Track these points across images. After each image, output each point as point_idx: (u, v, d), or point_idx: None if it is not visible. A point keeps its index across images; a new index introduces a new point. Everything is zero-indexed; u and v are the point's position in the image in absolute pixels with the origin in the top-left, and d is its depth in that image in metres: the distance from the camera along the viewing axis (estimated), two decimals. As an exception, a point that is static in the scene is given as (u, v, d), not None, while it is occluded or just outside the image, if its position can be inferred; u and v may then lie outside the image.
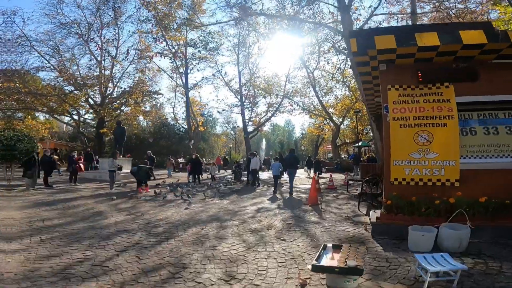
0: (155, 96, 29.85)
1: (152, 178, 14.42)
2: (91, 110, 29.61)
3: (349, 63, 34.08)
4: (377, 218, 6.30)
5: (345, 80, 33.08)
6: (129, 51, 27.36)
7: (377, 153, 14.14)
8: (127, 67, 29.28)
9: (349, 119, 38.30)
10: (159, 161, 35.03)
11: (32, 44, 25.03)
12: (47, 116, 30.28)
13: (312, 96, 35.91)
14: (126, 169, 19.12)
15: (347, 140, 44.00)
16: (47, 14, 26.38)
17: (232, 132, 62.36)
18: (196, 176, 16.98)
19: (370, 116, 13.76)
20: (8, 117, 32.99)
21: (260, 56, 35.35)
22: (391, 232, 5.99)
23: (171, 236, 6.43)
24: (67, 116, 30.20)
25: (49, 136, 33.39)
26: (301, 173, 27.47)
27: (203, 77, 34.08)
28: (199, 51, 29.87)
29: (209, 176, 18.48)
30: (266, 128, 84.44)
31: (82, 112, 30.68)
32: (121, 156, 19.57)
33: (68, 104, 25.77)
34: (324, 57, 32.27)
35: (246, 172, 17.33)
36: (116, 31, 28.34)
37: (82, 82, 26.07)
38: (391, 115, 6.43)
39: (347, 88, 33.89)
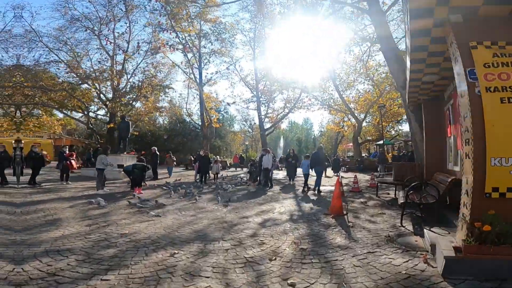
0: (166, 90, 27.72)
1: (147, 179, 12.25)
2: (103, 106, 27.93)
3: (372, 54, 31.70)
4: (456, 249, 3.76)
5: (368, 72, 30.13)
6: (139, 45, 25.42)
7: (416, 149, 11.40)
8: (140, 62, 27.43)
9: (371, 116, 35.10)
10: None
11: (42, 40, 23.42)
12: (67, 112, 28.77)
13: (332, 90, 33.05)
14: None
15: (368, 138, 40.85)
16: (58, 10, 24.79)
17: (249, 129, 60.15)
18: (204, 175, 14.75)
19: (406, 106, 11.05)
20: (27, 114, 31.86)
21: (276, 49, 32.63)
22: (482, 271, 3.57)
23: (120, 264, 4.16)
24: (79, 112, 28.58)
25: (61, 133, 31.91)
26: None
27: (216, 71, 31.80)
28: (211, 43, 27.68)
29: (213, 174, 16.17)
30: (284, 125, 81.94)
31: (94, 108, 29.15)
32: (125, 153, 17.60)
33: (76, 99, 24.08)
34: (346, 49, 29.42)
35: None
36: (128, 25, 26.48)
37: (94, 75, 24.30)
38: (483, 84, 3.86)
39: (370, 82, 30.90)
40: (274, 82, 35.05)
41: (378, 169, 19.65)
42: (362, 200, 10.03)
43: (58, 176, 14.58)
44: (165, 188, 11.73)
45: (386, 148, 37.83)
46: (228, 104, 33.70)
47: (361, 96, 33.39)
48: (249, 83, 35.48)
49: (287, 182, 14.98)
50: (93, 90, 25.65)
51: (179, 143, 40.43)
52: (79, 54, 25.10)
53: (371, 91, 32.62)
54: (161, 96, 28.15)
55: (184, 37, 26.45)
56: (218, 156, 31.28)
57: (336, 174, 24.10)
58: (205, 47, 29.24)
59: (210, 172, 15.70)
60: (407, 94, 9.24)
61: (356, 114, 32.94)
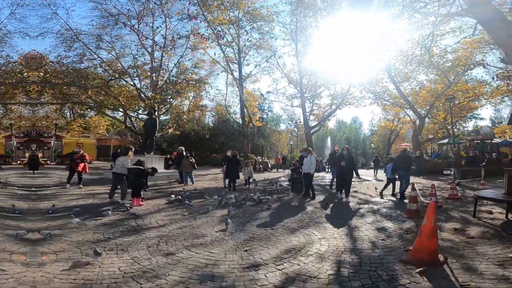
0: (203, 85, 25.17)
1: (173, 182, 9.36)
2: (141, 105, 26.30)
3: (436, 38, 26.29)
4: None
5: (432, 60, 24.90)
6: (174, 39, 23.19)
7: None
8: (180, 58, 25.30)
9: (436, 109, 29.46)
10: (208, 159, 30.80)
11: (79, 37, 22.11)
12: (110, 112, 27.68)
13: (386, 82, 28.10)
14: (160, 168, 14.66)
15: (429, 136, 35.02)
16: (96, 8, 23.45)
17: (295, 129, 56.39)
18: (232, 181, 11.62)
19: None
20: (80, 115, 31.49)
21: (320, 41, 28.61)
22: None
23: None
24: (119, 110, 27.23)
25: (105, 133, 30.92)
26: (366, 174, 20.92)
27: (256, 64, 28.67)
28: (246, 32, 24.64)
29: (245, 179, 12.84)
30: (331, 125, 76.98)
31: (136, 107, 27.62)
32: (152, 153, 15.13)
33: (112, 96, 22.49)
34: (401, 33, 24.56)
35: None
36: (163, 20, 24.46)
37: (131, 71, 22.60)
38: None
39: (435, 70, 25.61)
40: (319, 77, 31.16)
41: (454, 174, 14.94)
42: (453, 224, 6.18)
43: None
44: (172, 198, 8.73)
45: (446, 147, 31.91)
46: (262, 95, 30.13)
47: (422, 88, 28.13)
48: (292, 79, 31.94)
49: (334, 190, 11.36)
50: (131, 86, 23.91)
51: (222, 143, 38.13)
52: (118, 52, 23.49)
53: (435, 81, 27.25)
54: (197, 92, 25.52)
55: (215, 27, 23.61)
56: (259, 157, 28.17)
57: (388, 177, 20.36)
58: (243, 39, 26.29)
59: (243, 175, 12.61)
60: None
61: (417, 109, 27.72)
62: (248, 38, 26.19)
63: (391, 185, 10.73)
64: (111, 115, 28.60)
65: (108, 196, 8.66)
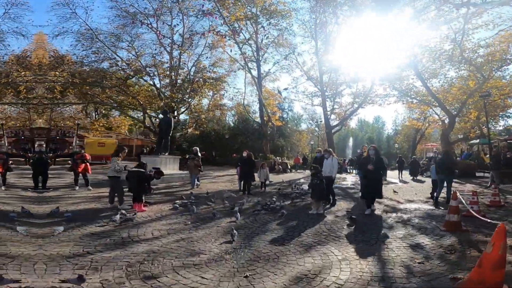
0: (220, 83, 24.34)
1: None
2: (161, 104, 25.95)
3: (469, 32, 24.22)
4: None
5: (464, 55, 22.90)
6: (191, 37, 22.59)
7: None
8: (198, 57, 24.67)
9: (468, 107, 27.19)
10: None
11: (100, 38, 21.89)
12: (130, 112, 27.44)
13: (412, 79, 26.19)
14: (171, 169, 13.98)
15: (459, 136, 32.72)
16: (114, 7, 23.20)
17: (316, 128, 54.87)
18: (246, 184, 10.71)
19: None
20: (104, 115, 31.59)
21: (342, 38, 27.10)
22: None
23: None
24: (138, 110, 26.94)
25: (126, 133, 30.81)
26: (390, 176, 19.52)
27: (274, 62, 27.59)
28: (263, 27, 23.58)
29: (261, 182, 11.80)
30: (353, 124, 74.56)
31: (156, 106, 27.34)
32: (166, 154, 14.47)
33: (131, 96, 22.12)
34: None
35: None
36: (181, 18, 23.89)
37: (148, 70, 22.20)
38: None
39: (467, 66, 23.56)
40: (340, 74, 29.71)
41: (493, 177, 13.24)
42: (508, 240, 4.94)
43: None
44: (177, 204, 7.86)
45: (479, 148, 29.53)
46: (280, 92, 28.93)
47: (452, 85, 26.06)
48: (312, 77, 30.59)
49: (358, 195, 10.19)
50: (149, 85, 23.47)
51: (242, 143, 37.33)
52: (137, 51, 23.10)
53: (467, 78, 25.12)
54: (214, 90, 24.73)
55: (232, 23, 22.69)
56: (278, 158, 27.09)
57: (413, 178, 19.24)
58: (261, 36, 25.30)
59: (258, 177, 11.64)
60: None
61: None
62: (266, 35, 25.25)
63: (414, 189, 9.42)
64: (133, 115, 28.40)
65: (109, 201, 7.93)
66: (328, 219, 6.73)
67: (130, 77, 21.41)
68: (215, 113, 31.24)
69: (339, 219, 6.76)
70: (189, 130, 27.05)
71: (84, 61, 21.25)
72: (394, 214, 7.38)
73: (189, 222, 6.28)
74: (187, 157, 13.37)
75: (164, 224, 6.11)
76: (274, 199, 8.78)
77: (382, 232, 5.75)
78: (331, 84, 30.46)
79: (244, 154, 11.31)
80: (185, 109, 25.07)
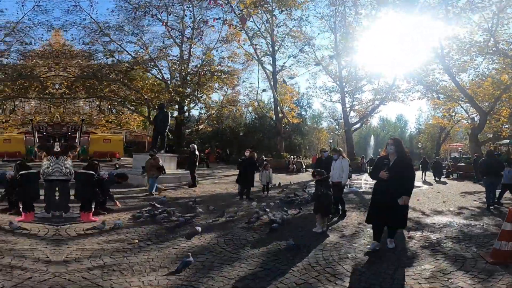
0: (229, 76, 22.69)
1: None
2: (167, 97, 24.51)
3: (504, 22, 21.41)
4: None
5: (498, 46, 20.21)
6: (200, 27, 21.23)
7: None
8: (208, 51, 23.26)
9: (502, 103, 24.25)
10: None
11: (106, 32, 20.82)
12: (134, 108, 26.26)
13: (439, 73, 23.63)
14: (166, 169, 12.65)
15: (488, 135, 29.57)
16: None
17: (336, 127, 52.54)
18: (244, 187, 9.21)
19: None
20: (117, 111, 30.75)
21: (360, 29, 24.82)
22: None
23: None
24: (143, 105, 25.30)
25: (135, 129, 29.69)
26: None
27: (289, 55, 25.77)
28: (274, 16, 21.80)
29: (263, 185, 10.07)
30: (375, 122, 71.22)
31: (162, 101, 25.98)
32: (162, 152, 13.22)
33: (134, 90, 21.00)
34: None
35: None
36: (191, 9, 22.55)
37: (153, 63, 20.98)
38: None
39: (502, 58, 20.80)
40: (360, 69, 27.59)
41: None
42: None
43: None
44: (142, 213, 6.35)
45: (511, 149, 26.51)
46: (284, 81, 26.78)
47: (484, 79, 23.29)
48: (331, 72, 28.59)
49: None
50: (156, 79, 22.19)
51: (259, 140, 35.84)
52: (146, 42, 21.88)
53: (500, 71, 22.30)
54: (221, 84, 23.12)
55: (240, 10, 20.98)
56: (293, 156, 25.30)
57: (436, 179, 17.91)
58: (275, 25, 23.53)
59: (260, 180, 10.09)
60: None
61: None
62: (279, 24, 23.50)
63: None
64: (137, 110, 26.74)
65: (45, 209, 6.06)
66: (330, 241, 5.08)
67: (129, 69, 20.24)
68: (231, 109, 29.61)
69: (345, 240, 5.11)
70: (200, 127, 25.64)
71: (93, 55, 20.25)
72: (418, 234, 5.64)
73: (137, 240, 4.84)
74: (188, 155, 11.88)
75: (100, 241, 4.67)
76: (268, 209, 7.06)
77: (401, 266, 4.08)
78: (350, 79, 28.34)
79: (246, 153, 9.78)
80: (194, 104, 23.76)
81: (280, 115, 25.33)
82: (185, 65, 22.37)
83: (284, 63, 26.28)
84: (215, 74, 21.30)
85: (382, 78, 27.58)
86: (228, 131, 35.23)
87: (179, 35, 22.12)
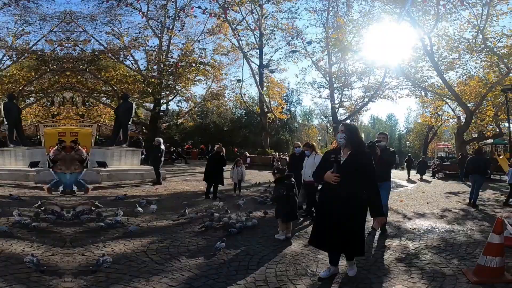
0: (209, 67, 21.30)
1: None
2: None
3: (493, 18, 20.90)
4: None
5: (487, 43, 19.68)
6: (179, 15, 20.00)
7: None
8: (194, 42, 22.01)
9: (487, 102, 23.85)
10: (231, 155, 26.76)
11: (78, 22, 19.25)
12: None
13: (427, 69, 23.00)
14: (127, 164, 11.72)
15: (473, 134, 29.25)
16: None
17: (327, 124, 52.02)
18: (211, 186, 8.29)
19: None
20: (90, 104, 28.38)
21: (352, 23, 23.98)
22: None
23: None
24: (111, 97, 23.50)
25: (106, 123, 27.66)
26: (399, 177, 17.04)
27: (276, 49, 24.84)
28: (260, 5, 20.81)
29: (234, 183, 9.20)
30: (366, 121, 70.98)
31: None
32: (125, 145, 12.26)
33: (102, 81, 19.54)
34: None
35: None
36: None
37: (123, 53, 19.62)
38: None
39: (489, 55, 20.33)
40: (349, 65, 26.95)
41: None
42: None
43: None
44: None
45: (495, 149, 26.24)
46: (271, 71, 25.28)
47: (470, 78, 22.82)
48: (321, 68, 27.85)
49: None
50: (130, 70, 20.74)
51: (245, 136, 34.81)
52: (121, 31, 20.36)
53: (487, 69, 21.87)
54: (200, 75, 21.76)
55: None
56: (278, 153, 24.32)
57: (421, 178, 17.74)
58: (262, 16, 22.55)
59: (231, 178, 9.24)
60: None
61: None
62: (267, 16, 22.55)
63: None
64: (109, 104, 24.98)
65: None
66: (291, 251, 4.30)
67: (96, 59, 18.85)
68: (216, 104, 28.01)
69: (309, 250, 4.32)
70: (180, 121, 24.39)
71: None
72: (396, 242, 4.91)
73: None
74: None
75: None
76: (230, 210, 6.24)
77: (371, 284, 3.33)
78: (340, 75, 27.62)
79: (215, 147, 8.89)
80: (173, 96, 22.39)
81: (265, 109, 24.28)
82: (162, 56, 21.11)
83: (271, 56, 25.33)
84: (193, 65, 20.00)
85: (372, 76, 27.02)
86: (213, 126, 33.91)
87: (158, 25, 20.81)
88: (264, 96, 23.50)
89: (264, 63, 24.62)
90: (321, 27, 26.36)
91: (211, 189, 8.19)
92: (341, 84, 27.75)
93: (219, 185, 8.34)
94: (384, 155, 4.95)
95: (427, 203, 8.94)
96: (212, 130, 33.08)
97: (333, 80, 27.34)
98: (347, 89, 28.64)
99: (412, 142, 47.48)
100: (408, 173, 18.97)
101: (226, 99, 27.86)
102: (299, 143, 7.41)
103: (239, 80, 24.17)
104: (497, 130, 24.75)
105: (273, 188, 9.61)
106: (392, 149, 5.53)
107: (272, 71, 25.06)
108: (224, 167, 8.54)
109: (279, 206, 4.83)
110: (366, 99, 27.28)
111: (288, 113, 36.05)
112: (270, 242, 4.65)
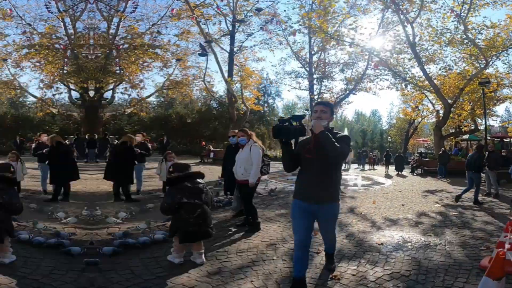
0: (158, 52, 18.93)
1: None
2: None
3: (476, 8, 19.99)
4: None
5: (468, 34, 18.72)
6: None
7: None
8: (153, 25, 19.63)
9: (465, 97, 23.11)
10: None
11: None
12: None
13: (409, 59, 21.81)
14: None
15: (451, 130, 28.60)
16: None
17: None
18: (120, 185, 6.65)
19: None
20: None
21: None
22: None
23: None
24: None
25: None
26: (378, 173, 16.03)
27: (249, 34, 22.91)
28: None
29: (163, 182, 7.39)
30: (350, 116, 70.41)
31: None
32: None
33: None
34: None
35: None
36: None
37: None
38: None
39: (469, 48, 19.41)
40: (331, 54, 25.73)
41: (488, 179, 9.34)
42: None
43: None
44: None
45: (470, 145, 25.74)
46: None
47: (450, 71, 21.95)
48: (301, 58, 26.42)
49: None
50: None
51: (215, 129, 31.98)
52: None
53: (466, 61, 21.05)
54: (145, 58, 19.25)
55: None
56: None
57: (398, 172, 17.55)
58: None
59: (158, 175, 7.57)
60: None
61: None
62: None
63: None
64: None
65: None
66: (184, 282, 2.89)
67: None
68: (178, 92, 25.03)
69: (213, 282, 2.90)
70: (128, 111, 21.42)
71: None
72: (351, 268, 3.57)
73: None
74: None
75: None
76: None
77: None
78: (320, 65, 26.21)
79: (138, 138, 7.26)
80: (119, 83, 19.65)
81: (233, 99, 22.15)
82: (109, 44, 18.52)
83: (243, 42, 23.30)
84: (138, 48, 17.61)
85: (355, 68, 25.78)
86: (175, 118, 30.73)
87: (106, 7, 18.29)
88: (231, 85, 21.56)
89: (235, 50, 22.67)
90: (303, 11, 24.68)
91: (120, 190, 6.55)
92: (320, 74, 26.41)
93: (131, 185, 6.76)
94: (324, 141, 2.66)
95: (402, 205, 7.75)
96: (175, 121, 29.89)
97: (314, 71, 26.03)
98: (327, 80, 27.32)
99: (393, 137, 47.00)
100: (386, 168, 18.44)
101: (194, 88, 25.39)
102: (236, 130, 5.81)
103: (202, 54, 21.19)
104: (472, 126, 24.37)
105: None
106: (345, 134, 3.11)
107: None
108: (136, 162, 6.93)
109: (173, 221, 3.38)
110: (347, 92, 26.01)
111: (265, 104, 34.37)
112: (162, 266, 3.20)
